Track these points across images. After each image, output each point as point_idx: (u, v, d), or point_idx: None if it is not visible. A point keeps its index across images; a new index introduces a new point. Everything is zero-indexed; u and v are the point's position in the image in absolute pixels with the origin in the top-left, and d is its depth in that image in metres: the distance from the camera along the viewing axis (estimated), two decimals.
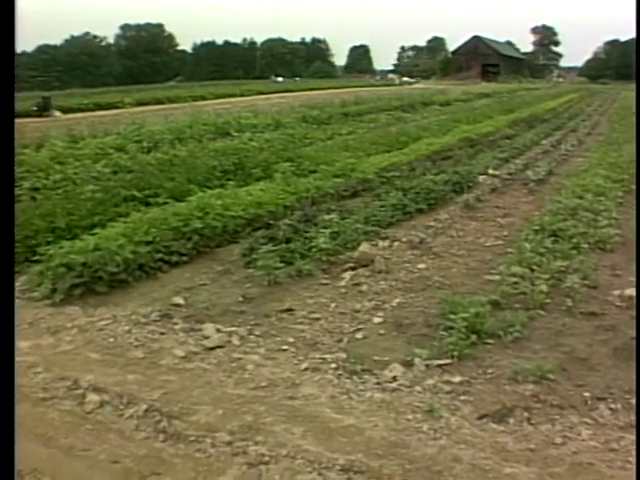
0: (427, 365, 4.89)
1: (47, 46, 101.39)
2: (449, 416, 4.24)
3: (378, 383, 4.69)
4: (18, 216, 8.43)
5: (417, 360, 4.93)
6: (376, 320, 5.82)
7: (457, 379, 4.70)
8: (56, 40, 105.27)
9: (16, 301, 6.56)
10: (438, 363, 4.92)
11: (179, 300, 6.33)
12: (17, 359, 5.21)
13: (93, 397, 4.58)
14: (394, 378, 4.74)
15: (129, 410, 4.43)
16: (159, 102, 41.68)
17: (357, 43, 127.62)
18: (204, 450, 3.97)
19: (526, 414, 4.24)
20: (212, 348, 5.27)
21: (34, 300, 6.50)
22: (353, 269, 7.13)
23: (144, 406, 4.44)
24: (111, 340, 5.54)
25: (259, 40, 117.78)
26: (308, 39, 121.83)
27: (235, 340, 5.42)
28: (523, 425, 4.15)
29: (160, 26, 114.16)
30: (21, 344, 5.54)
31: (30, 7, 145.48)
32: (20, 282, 6.98)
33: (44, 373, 5.00)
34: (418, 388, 4.60)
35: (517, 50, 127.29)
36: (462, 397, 4.48)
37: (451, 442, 3.95)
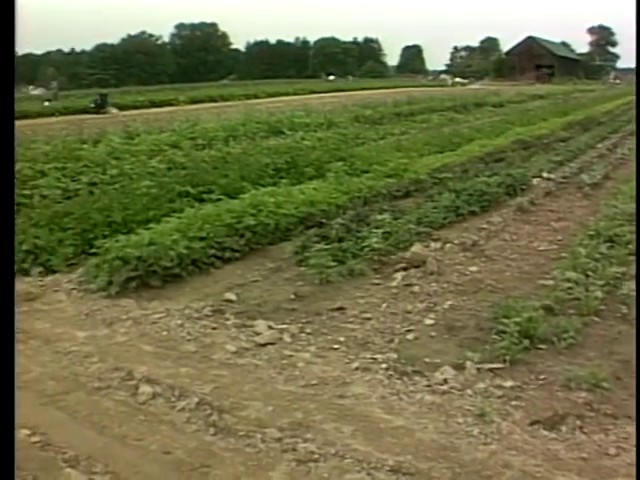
0: (478, 369, 4.83)
1: (105, 45, 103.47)
2: (500, 421, 4.18)
3: (429, 385, 4.66)
4: (76, 209, 8.67)
5: (468, 363, 4.88)
6: (427, 322, 5.78)
7: (509, 384, 4.64)
8: (114, 39, 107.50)
9: (73, 292, 6.75)
10: (490, 367, 4.86)
11: (231, 296, 6.39)
12: (74, 349, 5.38)
13: (146, 388, 4.66)
14: (445, 381, 4.70)
15: (181, 403, 4.49)
16: (212, 100, 42.12)
17: (410, 43, 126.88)
18: (254, 445, 4.00)
19: (579, 422, 4.16)
20: (263, 344, 5.31)
21: (91, 292, 6.66)
22: (405, 270, 7.10)
23: (195, 399, 4.50)
24: (164, 333, 5.64)
25: (312, 39, 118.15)
26: (360, 39, 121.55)
27: (286, 337, 5.45)
28: (576, 433, 4.06)
29: (214, 25, 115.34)
30: (78, 334, 5.70)
31: (90, 7, 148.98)
32: (77, 274, 7.17)
33: (99, 363, 5.12)
34: (469, 391, 4.55)
35: (572, 51, 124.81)
36: (514, 402, 4.42)
37: (502, 447, 3.90)
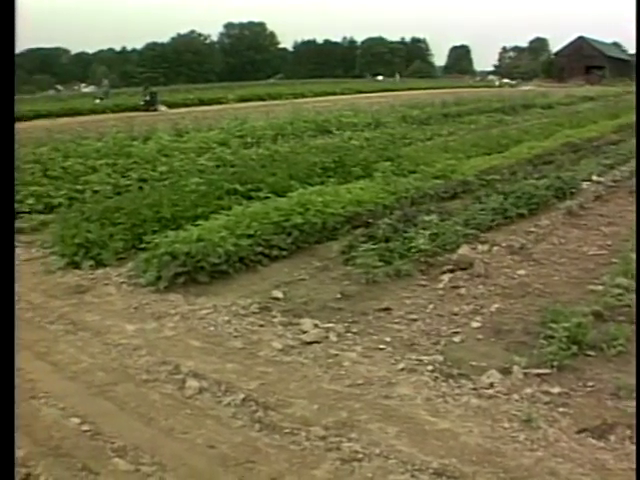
0: (525, 373, 4.78)
1: (155, 44, 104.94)
2: (547, 427, 4.13)
3: (475, 388, 4.63)
4: (127, 205, 8.82)
5: (515, 368, 4.83)
6: (474, 324, 5.73)
7: (556, 390, 4.57)
8: (164, 38, 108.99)
9: (123, 286, 6.88)
10: (537, 372, 4.80)
11: (278, 294, 6.44)
12: (123, 341, 5.49)
13: (193, 383, 4.73)
14: (491, 384, 4.66)
15: (227, 398, 4.55)
16: (260, 99, 42.35)
17: (458, 43, 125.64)
18: (298, 443, 4.03)
19: (628, 432, 4.06)
20: (309, 343, 5.34)
21: (140, 286, 6.79)
22: (452, 271, 7.05)
23: (241, 395, 4.55)
24: (211, 329, 5.72)
25: (359, 39, 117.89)
26: (408, 38, 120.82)
27: (332, 336, 5.47)
28: (625, 443, 3.98)
29: (262, 25, 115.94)
30: (127, 327, 5.81)
31: (141, 6, 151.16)
32: (127, 268, 7.31)
33: (147, 356, 5.21)
34: (515, 396, 4.50)
35: (624, 52, 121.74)
36: (561, 409, 4.35)
37: (548, 454, 3.85)
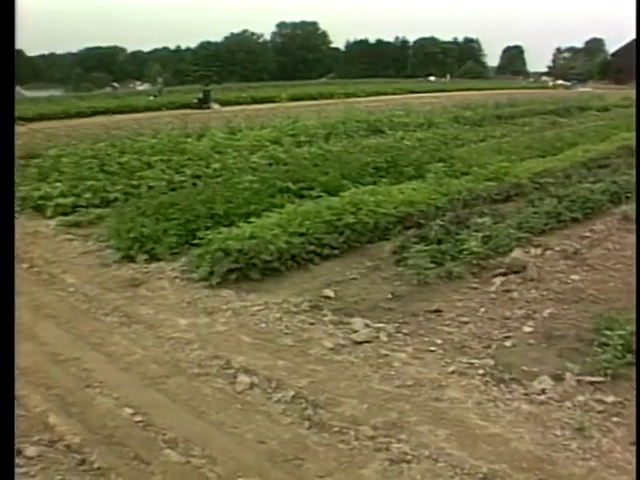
0: (578, 381, 4.70)
1: (209, 43, 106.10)
2: (600, 437, 4.06)
3: (526, 394, 4.57)
4: (181, 201, 8.95)
5: (568, 374, 4.76)
6: (526, 329, 5.66)
7: (610, 399, 4.48)
8: (217, 37, 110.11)
9: (176, 280, 6.99)
10: (590, 380, 4.71)
11: (329, 292, 6.46)
12: (175, 335, 5.58)
13: (244, 378, 4.79)
14: (543, 391, 4.60)
15: (277, 395, 4.59)
16: (312, 98, 42.37)
17: (511, 43, 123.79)
18: (347, 442, 4.04)
19: None
20: (360, 342, 5.35)
21: (193, 281, 6.89)
22: (504, 275, 6.97)
23: (291, 392, 4.59)
24: (262, 325, 5.77)
25: (411, 39, 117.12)
26: (461, 38, 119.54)
27: (383, 336, 5.47)
28: None
29: (314, 24, 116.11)
30: (179, 321, 5.91)
31: (196, 6, 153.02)
32: (180, 263, 7.43)
33: (199, 350, 5.29)
34: (568, 404, 4.43)
35: None
36: (615, 419, 4.27)
37: (601, 465, 3.79)
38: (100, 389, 4.73)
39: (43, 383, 4.84)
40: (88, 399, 4.61)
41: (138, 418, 4.34)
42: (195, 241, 7.62)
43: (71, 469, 3.82)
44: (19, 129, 23.91)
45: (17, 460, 3.84)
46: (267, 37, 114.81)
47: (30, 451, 3.96)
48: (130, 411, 4.42)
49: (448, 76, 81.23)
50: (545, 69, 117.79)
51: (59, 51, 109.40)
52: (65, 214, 9.93)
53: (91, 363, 5.14)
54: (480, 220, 8.39)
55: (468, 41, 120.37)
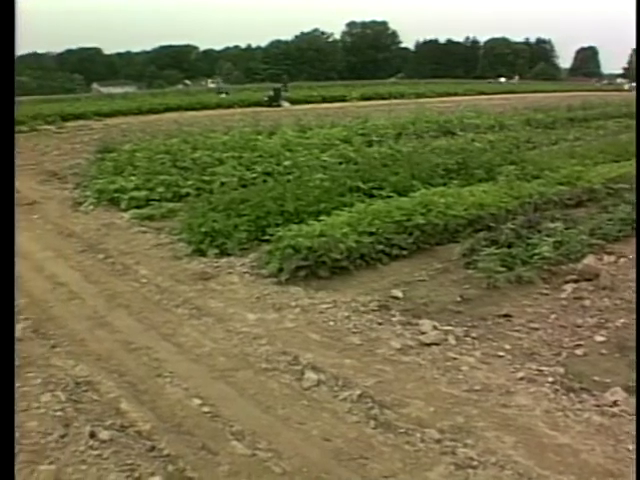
0: None
1: (279, 41, 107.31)
2: None
3: (597, 405, 4.44)
4: (252, 197, 9.06)
5: None
6: (598, 338, 5.50)
7: None
8: (288, 36, 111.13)
9: (245, 276, 7.07)
10: None
11: (398, 293, 6.43)
12: (244, 329, 5.65)
13: (311, 375, 4.81)
14: (615, 402, 4.46)
15: (343, 393, 4.59)
16: (381, 97, 42.31)
17: (585, 44, 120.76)
18: (413, 444, 4.01)
19: None
20: (428, 344, 5.31)
21: (262, 277, 6.96)
22: (575, 282, 6.81)
23: (358, 391, 4.58)
24: (331, 323, 5.78)
25: (482, 39, 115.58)
26: (532, 39, 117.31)
27: (451, 339, 5.41)
28: None
29: (384, 24, 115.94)
30: (248, 316, 5.98)
31: (267, 5, 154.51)
32: (250, 258, 7.52)
33: (267, 346, 5.34)
34: None
35: None
36: None
37: None
38: (170, 379, 4.83)
39: (116, 370, 4.97)
40: (158, 388, 4.71)
41: (206, 409, 4.41)
42: (265, 237, 7.73)
43: (141, 454, 3.90)
44: (96, 124, 24.75)
45: (91, 442, 3.97)
46: (337, 36, 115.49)
47: (103, 435, 4.06)
48: (199, 402, 4.50)
49: (517, 77, 79.81)
50: (620, 71, 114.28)
51: (134, 49, 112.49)
52: (139, 207, 10.18)
53: (162, 353, 5.25)
54: (552, 225, 8.23)
55: (540, 42, 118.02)
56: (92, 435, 4.05)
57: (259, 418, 4.31)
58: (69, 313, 6.16)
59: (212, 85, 57.46)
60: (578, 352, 5.26)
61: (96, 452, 3.90)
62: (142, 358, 5.18)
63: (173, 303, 6.35)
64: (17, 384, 4.71)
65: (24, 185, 12.74)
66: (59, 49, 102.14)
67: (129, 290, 6.76)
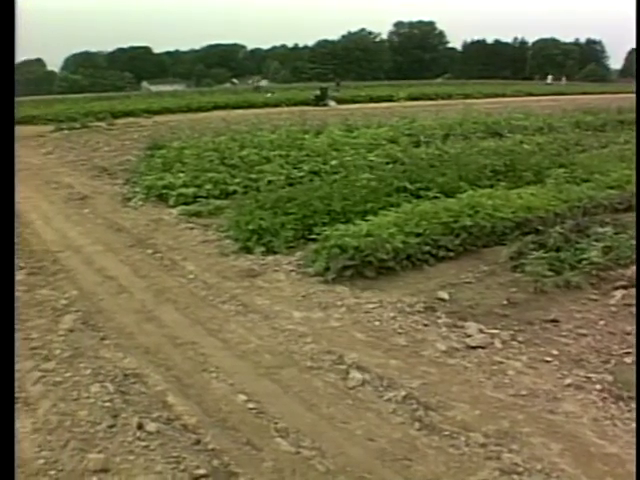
0: None
1: (326, 41, 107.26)
2: None
3: None
4: (299, 196, 9.10)
5: None
6: None
7: None
8: (335, 35, 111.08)
9: (292, 274, 7.11)
10: None
11: (444, 295, 6.39)
12: (290, 327, 5.68)
13: (356, 374, 4.81)
14: None
15: (388, 393, 4.58)
16: (428, 98, 42.01)
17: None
18: (457, 447, 3.99)
19: None
20: (474, 347, 5.26)
21: (308, 275, 6.99)
22: (625, 288, 6.67)
23: (403, 392, 4.57)
24: (376, 323, 5.77)
25: (530, 40, 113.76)
26: (583, 40, 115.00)
27: (497, 343, 5.35)
28: None
29: (432, 24, 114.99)
30: (294, 314, 6.01)
31: (313, 5, 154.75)
32: (296, 257, 7.56)
33: (312, 344, 5.36)
34: None
35: None
36: None
37: None
38: (216, 374, 4.88)
39: (163, 364, 5.05)
40: (204, 383, 4.77)
41: (251, 405, 4.45)
42: (311, 236, 7.77)
43: (187, 447, 3.96)
44: (146, 121, 25.12)
45: (138, 433, 4.05)
46: (384, 36, 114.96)
47: (150, 427, 4.14)
48: (244, 398, 4.54)
49: (564, 78, 78.26)
50: None
51: (183, 48, 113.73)
52: (187, 203, 10.31)
53: (208, 348, 5.31)
54: (601, 229, 8.07)
55: (590, 42, 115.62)
56: (139, 426, 4.13)
57: (303, 416, 4.33)
58: (118, 306, 6.28)
59: (259, 84, 57.74)
60: (627, 360, 5.15)
61: (143, 443, 3.98)
62: (188, 352, 5.25)
63: (219, 299, 6.42)
64: (68, 374, 4.85)
65: (76, 180, 13.03)
66: (110, 48, 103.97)
67: (176, 285, 6.85)
